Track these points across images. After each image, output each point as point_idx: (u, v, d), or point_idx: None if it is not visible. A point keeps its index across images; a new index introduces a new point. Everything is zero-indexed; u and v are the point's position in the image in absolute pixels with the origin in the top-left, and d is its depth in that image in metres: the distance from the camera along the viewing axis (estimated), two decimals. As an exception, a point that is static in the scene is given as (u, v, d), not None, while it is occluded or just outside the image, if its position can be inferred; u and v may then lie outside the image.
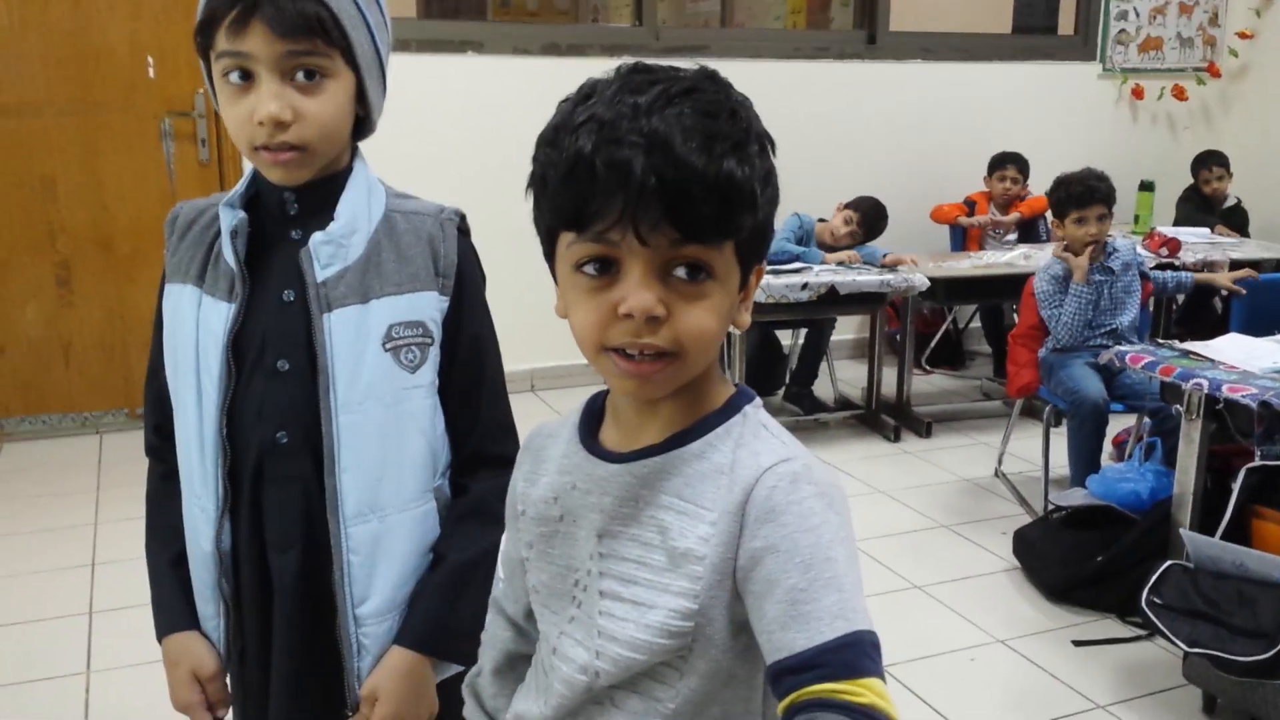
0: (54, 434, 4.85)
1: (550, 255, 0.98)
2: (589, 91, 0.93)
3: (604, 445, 1.04)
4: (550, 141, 0.93)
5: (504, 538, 1.18)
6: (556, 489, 1.06)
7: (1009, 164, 5.83)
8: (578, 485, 1.03)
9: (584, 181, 0.88)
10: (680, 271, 0.91)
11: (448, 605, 1.41)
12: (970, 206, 5.92)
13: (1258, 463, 2.95)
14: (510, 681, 1.20)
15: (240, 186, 1.40)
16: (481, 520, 1.42)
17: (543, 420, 1.14)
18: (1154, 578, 2.82)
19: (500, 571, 1.20)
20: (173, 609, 1.46)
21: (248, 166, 1.40)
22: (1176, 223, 6.13)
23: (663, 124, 0.87)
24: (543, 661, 1.09)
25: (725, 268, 0.93)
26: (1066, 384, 3.97)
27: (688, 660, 0.97)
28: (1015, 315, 4.56)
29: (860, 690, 0.85)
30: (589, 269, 0.92)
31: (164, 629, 1.47)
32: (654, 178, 0.86)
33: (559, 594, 1.06)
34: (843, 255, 4.93)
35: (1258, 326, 4.16)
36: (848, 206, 5.13)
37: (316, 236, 1.35)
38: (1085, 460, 3.94)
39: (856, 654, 0.86)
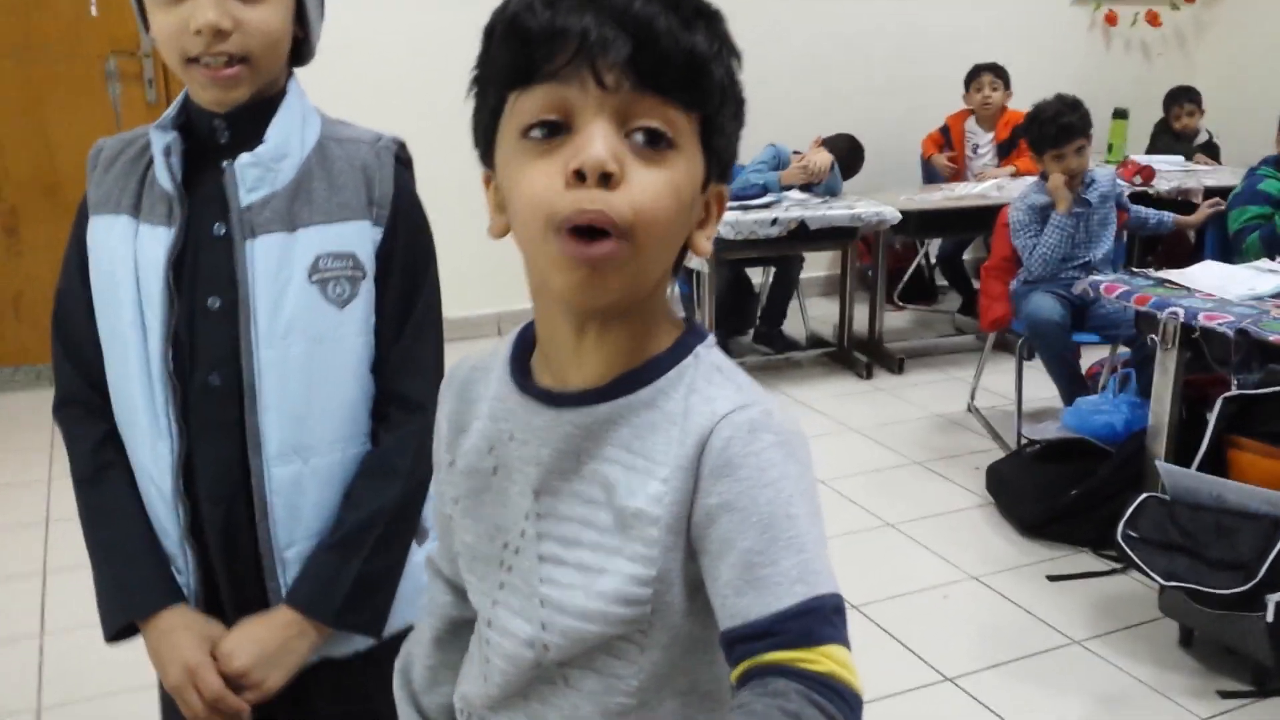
0: (5, 388, 4.73)
1: (490, 149, 0.87)
2: None
3: (538, 384, 0.92)
4: (501, 8, 0.83)
5: (432, 487, 1.07)
6: (491, 437, 0.95)
7: (984, 73, 5.65)
8: (515, 435, 0.92)
9: (535, 24, 0.79)
10: (639, 136, 0.81)
11: (333, 568, 1.32)
12: (945, 133, 5.81)
13: (1234, 392, 2.90)
14: (454, 651, 1.10)
15: (171, 110, 1.31)
16: (380, 475, 1.34)
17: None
18: (1129, 511, 2.78)
19: (434, 526, 1.10)
20: (153, 585, 1.33)
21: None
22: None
23: None
24: (480, 634, 0.99)
25: (688, 145, 0.83)
26: (1026, 311, 3.93)
27: (647, 633, 0.88)
28: (987, 248, 4.48)
29: (817, 658, 0.77)
30: (536, 133, 0.82)
31: (149, 607, 1.33)
32: (614, 26, 0.78)
33: (486, 558, 0.96)
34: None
35: (1232, 253, 4.13)
36: (825, 143, 5.03)
37: (243, 158, 1.27)
38: (1064, 380, 3.90)
39: (816, 620, 0.79)
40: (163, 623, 1.32)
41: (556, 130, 0.81)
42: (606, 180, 0.79)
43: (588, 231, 0.79)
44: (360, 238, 1.32)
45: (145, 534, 1.34)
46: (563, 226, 0.80)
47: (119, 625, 1.35)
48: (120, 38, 4.61)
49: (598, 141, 0.79)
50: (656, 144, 0.81)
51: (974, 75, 5.69)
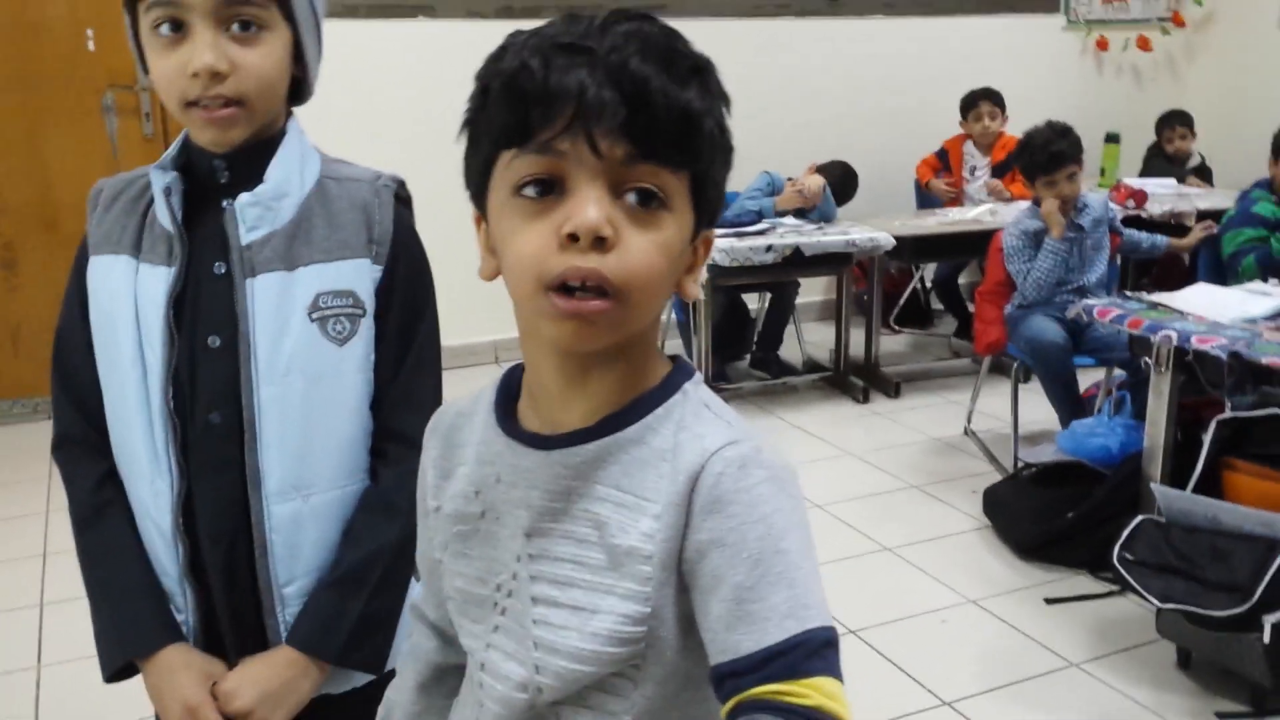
0: (3, 420, 4.73)
1: (482, 194, 0.88)
2: (536, 29, 0.85)
3: (524, 428, 0.93)
4: (496, 57, 0.84)
5: (418, 533, 1.07)
6: (477, 481, 0.95)
7: (982, 101, 5.66)
8: (502, 478, 0.93)
9: (531, 85, 0.80)
10: (631, 197, 0.82)
11: (336, 606, 1.32)
12: (942, 156, 5.83)
13: (1228, 414, 2.91)
14: (438, 696, 1.09)
15: (172, 150, 1.32)
16: (381, 513, 1.34)
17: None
18: (1126, 533, 2.78)
19: (419, 572, 1.10)
20: (153, 623, 1.33)
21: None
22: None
23: (618, 39, 0.80)
24: (472, 678, 0.99)
25: (679, 203, 0.84)
26: (1026, 335, 3.93)
27: (641, 669, 0.88)
28: (982, 271, 4.50)
29: (805, 691, 0.77)
30: (530, 190, 0.82)
31: (149, 645, 1.32)
32: (610, 87, 0.78)
33: (479, 601, 0.96)
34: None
35: (1225, 276, 4.14)
36: (819, 170, 5.05)
37: (243, 198, 1.28)
38: (1065, 405, 3.91)
39: (805, 654, 0.79)
40: (162, 661, 1.32)
41: (550, 189, 0.82)
42: (600, 243, 0.80)
43: (580, 287, 0.81)
44: (360, 276, 1.33)
45: (144, 572, 1.34)
46: (554, 284, 0.81)
47: (118, 664, 1.34)
48: (117, 71, 4.64)
49: (591, 208, 0.80)
50: (648, 204, 0.83)
51: (971, 103, 5.70)
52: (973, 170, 5.76)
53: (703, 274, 0.93)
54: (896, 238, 4.72)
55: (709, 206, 0.88)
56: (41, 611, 3.13)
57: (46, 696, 2.72)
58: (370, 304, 1.34)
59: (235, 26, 1.22)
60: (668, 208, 0.84)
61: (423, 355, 1.38)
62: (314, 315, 1.30)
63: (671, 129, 0.81)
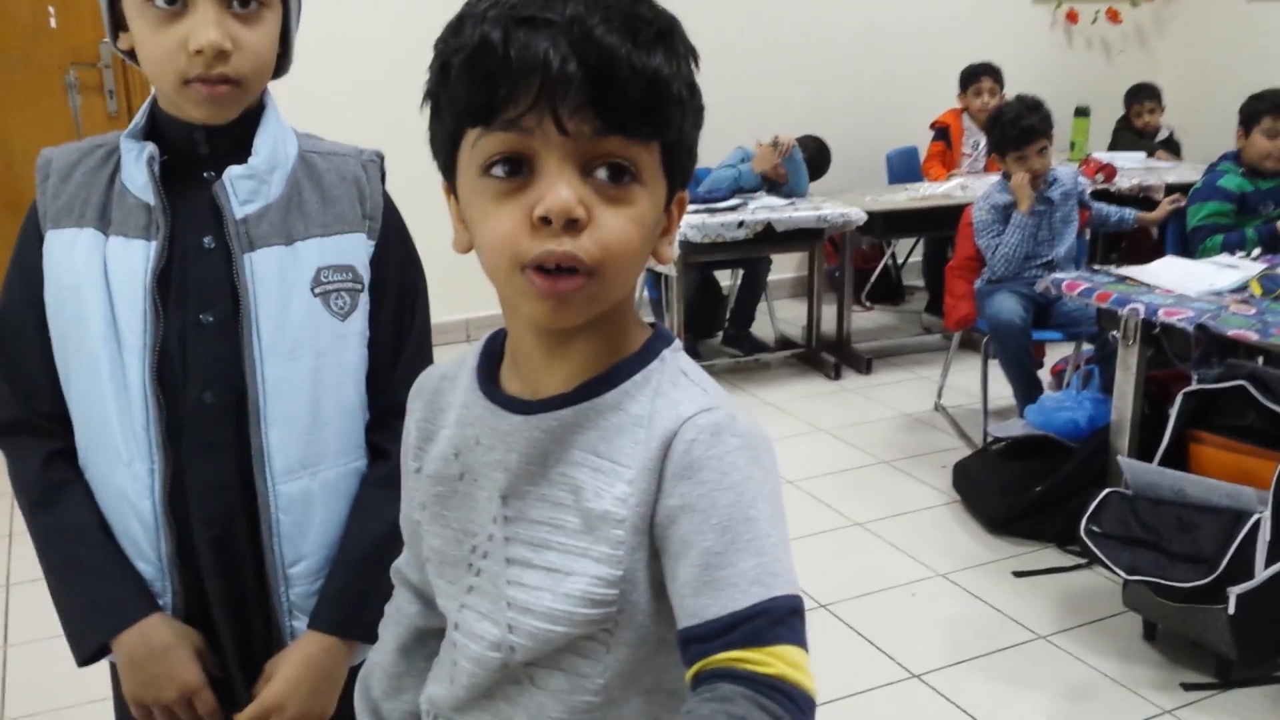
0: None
1: (451, 168, 0.87)
2: None
3: (506, 392, 0.93)
4: (454, 29, 0.82)
5: (401, 495, 1.07)
6: (458, 443, 0.96)
7: (983, 75, 5.55)
8: (481, 440, 0.93)
9: (494, 62, 0.78)
10: (602, 173, 0.81)
11: (362, 583, 1.31)
12: (943, 134, 5.72)
13: (1195, 387, 2.93)
14: (419, 659, 1.09)
15: (139, 119, 1.28)
16: (394, 487, 1.32)
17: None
18: (1093, 506, 2.80)
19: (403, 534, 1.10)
20: (131, 595, 1.28)
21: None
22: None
23: (579, 8, 0.78)
24: (448, 638, 1.00)
25: (651, 174, 0.84)
26: (988, 312, 3.95)
27: (613, 632, 0.88)
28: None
29: (768, 659, 0.78)
30: (498, 170, 0.81)
31: (128, 617, 1.27)
32: (574, 60, 0.77)
33: (455, 562, 0.96)
34: None
35: (1191, 249, 4.17)
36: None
37: (234, 170, 1.26)
38: (1021, 382, 3.93)
39: (769, 622, 0.79)
40: (149, 634, 1.27)
41: (518, 168, 0.81)
42: (573, 225, 0.80)
43: (554, 269, 0.81)
44: (357, 250, 1.32)
45: (111, 549, 1.29)
46: (529, 267, 0.81)
47: (96, 644, 1.29)
48: (80, 48, 4.57)
49: (562, 189, 0.79)
50: (620, 179, 0.82)
51: (972, 77, 5.59)
52: (975, 145, 5.65)
53: (675, 248, 0.92)
54: (868, 213, 4.73)
55: (681, 171, 0.88)
56: (7, 592, 3.11)
57: (13, 676, 2.71)
58: (367, 279, 1.33)
59: (236, 4, 1.19)
60: (639, 181, 0.83)
61: (424, 331, 1.38)
62: (316, 290, 1.29)
63: (640, 100, 0.80)
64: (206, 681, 1.29)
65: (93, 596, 1.29)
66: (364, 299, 1.32)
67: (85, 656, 1.31)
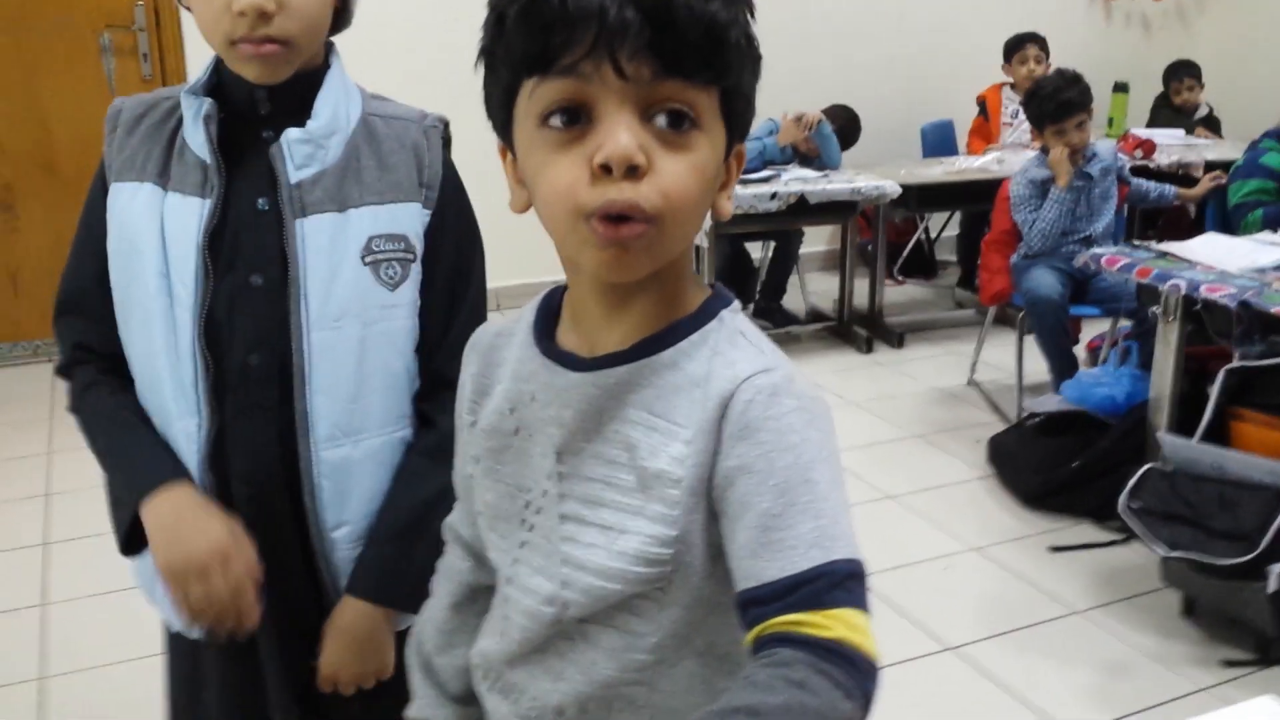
0: (4, 363, 4.71)
1: (507, 125, 0.86)
2: None
3: (562, 348, 0.93)
4: None
5: (455, 450, 1.07)
6: (513, 398, 0.95)
7: (1028, 43, 5.44)
8: (537, 396, 0.93)
9: (550, 10, 0.77)
10: (661, 119, 0.80)
11: (401, 551, 1.31)
12: (981, 108, 5.69)
13: (1236, 364, 2.90)
14: (470, 615, 1.09)
15: (203, 75, 1.27)
16: (440, 457, 1.29)
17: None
18: (1133, 481, 2.78)
19: (456, 490, 1.09)
20: (156, 467, 1.26)
21: (198, 66, 1.28)
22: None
23: None
24: (499, 592, 0.99)
25: (710, 121, 0.83)
26: (1025, 286, 3.92)
27: (667, 591, 0.88)
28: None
29: (828, 622, 0.76)
30: (556, 120, 0.80)
31: (149, 485, 1.24)
32: (631, 5, 0.76)
33: (507, 517, 0.96)
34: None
35: (1232, 226, 4.11)
36: (824, 114, 5.00)
37: (292, 133, 1.24)
38: (1056, 358, 3.90)
39: (828, 584, 0.78)
40: (179, 499, 1.24)
41: (576, 117, 0.80)
42: (634, 172, 0.79)
43: (616, 216, 0.80)
44: (411, 220, 1.30)
45: (145, 426, 1.29)
46: (591, 216, 0.80)
47: (128, 518, 1.27)
48: (114, 11, 4.58)
49: (622, 135, 0.78)
50: (680, 125, 0.81)
51: (1017, 46, 5.49)
52: (1015, 114, 5.53)
53: (732, 203, 0.91)
54: (902, 186, 4.69)
55: (740, 121, 0.87)
56: (46, 551, 3.13)
57: (52, 634, 2.72)
58: (420, 249, 1.31)
59: None
60: (699, 127, 0.82)
61: (479, 302, 1.37)
62: (366, 259, 1.27)
63: (698, 43, 0.79)
64: (239, 551, 1.23)
65: (128, 468, 1.29)
66: (415, 269, 1.31)
67: (123, 537, 1.29)
